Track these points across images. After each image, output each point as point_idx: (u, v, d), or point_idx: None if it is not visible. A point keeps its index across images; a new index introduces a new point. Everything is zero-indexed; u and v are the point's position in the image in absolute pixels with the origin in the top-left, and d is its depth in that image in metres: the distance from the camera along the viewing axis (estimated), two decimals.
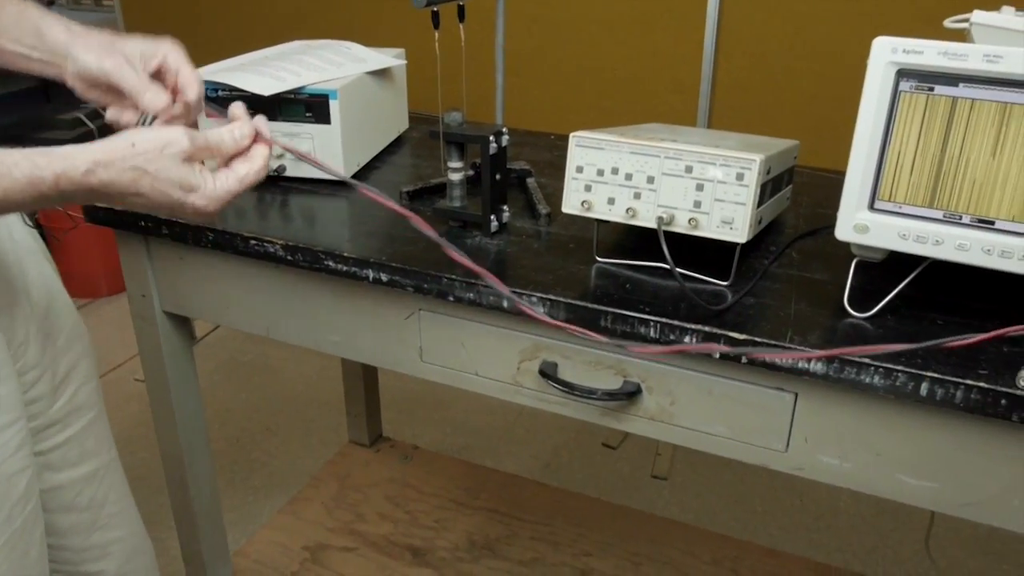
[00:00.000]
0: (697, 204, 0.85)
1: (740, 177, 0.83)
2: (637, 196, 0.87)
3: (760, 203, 0.88)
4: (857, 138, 0.80)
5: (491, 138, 0.99)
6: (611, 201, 0.89)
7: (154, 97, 0.82)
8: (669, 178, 0.85)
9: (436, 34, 0.99)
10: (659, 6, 1.80)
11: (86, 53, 0.81)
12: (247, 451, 2.10)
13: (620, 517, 1.67)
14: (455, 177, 1.04)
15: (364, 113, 1.24)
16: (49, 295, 0.96)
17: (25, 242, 0.95)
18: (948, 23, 0.84)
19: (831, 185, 1.25)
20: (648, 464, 2.06)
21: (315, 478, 1.79)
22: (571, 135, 0.90)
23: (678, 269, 0.90)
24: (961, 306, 0.87)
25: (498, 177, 1.03)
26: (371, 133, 1.29)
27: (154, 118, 0.84)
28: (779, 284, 0.92)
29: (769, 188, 0.92)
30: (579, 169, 0.90)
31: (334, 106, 1.15)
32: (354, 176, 1.23)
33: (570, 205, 0.91)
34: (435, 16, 0.97)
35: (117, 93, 0.83)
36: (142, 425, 2.11)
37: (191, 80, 0.85)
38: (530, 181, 1.17)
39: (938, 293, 0.90)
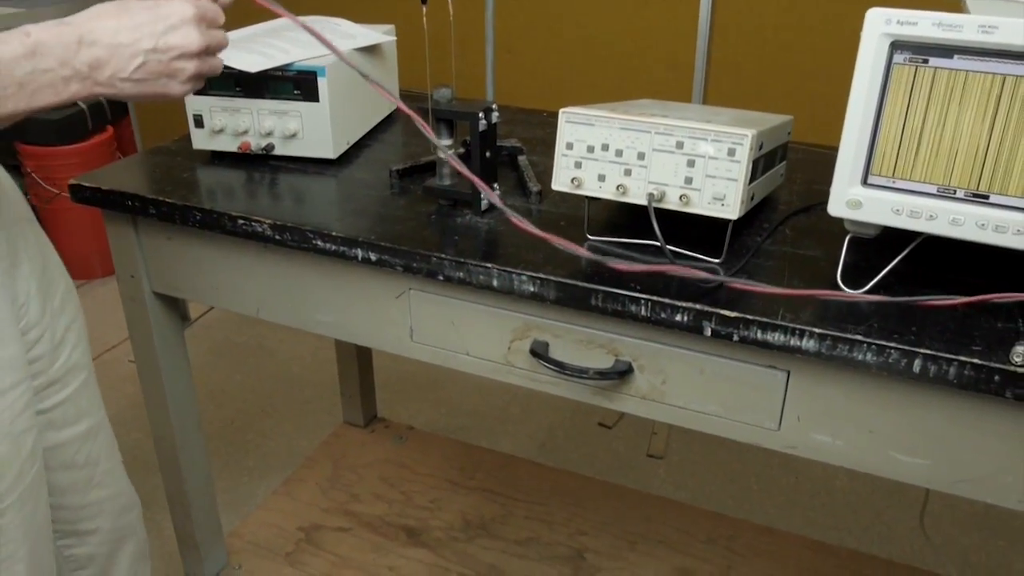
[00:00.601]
0: (688, 180, 0.84)
1: (731, 153, 0.81)
2: (628, 173, 0.86)
3: (752, 179, 0.87)
4: (850, 112, 0.78)
5: (480, 115, 0.98)
6: (601, 178, 0.88)
7: None
8: (660, 154, 0.84)
9: (424, 9, 0.97)
10: None
11: None
12: (242, 432, 2.10)
13: (615, 496, 1.67)
14: (444, 155, 1.03)
15: (353, 91, 1.23)
16: (43, 256, 0.96)
17: (19, 204, 0.94)
18: None
19: (826, 161, 1.23)
20: (644, 443, 2.05)
21: (310, 459, 1.79)
22: (561, 111, 0.89)
23: (670, 247, 0.89)
24: (956, 282, 0.86)
25: (488, 155, 1.01)
26: (361, 111, 1.28)
27: None
28: (772, 261, 0.91)
29: (762, 164, 0.91)
30: (569, 146, 0.88)
31: (322, 83, 1.14)
32: (343, 154, 1.22)
33: (560, 182, 0.90)
34: None
35: None
36: (137, 406, 2.11)
37: None
38: (521, 159, 1.16)
39: (932, 269, 0.89)
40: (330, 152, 1.17)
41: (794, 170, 1.17)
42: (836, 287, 0.85)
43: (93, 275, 2.80)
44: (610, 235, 0.96)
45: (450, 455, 1.78)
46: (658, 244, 0.85)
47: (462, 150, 1.11)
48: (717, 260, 0.90)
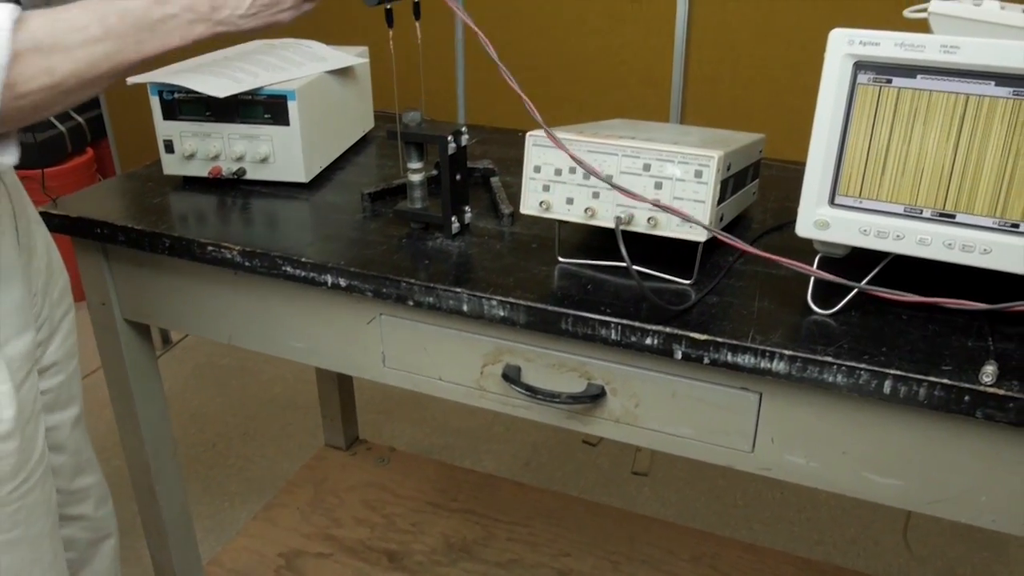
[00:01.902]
0: (656, 203, 0.83)
1: (699, 174, 0.81)
2: (596, 195, 0.86)
3: (721, 200, 0.86)
4: (816, 132, 0.78)
5: (449, 138, 0.97)
6: (570, 201, 0.87)
7: None
8: (627, 176, 0.84)
9: (390, 33, 0.97)
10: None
11: None
12: (223, 456, 2.08)
13: (599, 515, 1.66)
14: (415, 178, 1.02)
15: (325, 114, 1.22)
16: (48, 252, 0.99)
17: (30, 205, 0.98)
18: (908, 13, 0.82)
19: (800, 178, 1.23)
20: (628, 460, 2.04)
21: (290, 483, 1.77)
22: (528, 134, 0.88)
23: (640, 268, 0.89)
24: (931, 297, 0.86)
25: (458, 177, 1.01)
26: (333, 134, 1.27)
27: None
28: (743, 281, 0.91)
29: (731, 184, 0.91)
30: (536, 169, 0.88)
31: (292, 107, 1.13)
32: (316, 177, 1.21)
33: (528, 205, 0.90)
34: (388, 14, 0.95)
35: None
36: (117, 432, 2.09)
37: None
38: (494, 180, 1.16)
39: (903, 287, 0.88)
40: (302, 176, 1.17)
41: (768, 187, 1.17)
42: (807, 308, 0.84)
43: (76, 298, 2.78)
44: (582, 257, 0.95)
45: (432, 476, 1.76)
46: (623, 248, 0.84)
47: (434, 172, 1.11)
48: (688, 281, 0.89)
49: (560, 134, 0.87)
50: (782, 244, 1.00)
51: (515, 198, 1.11)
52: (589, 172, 0.81)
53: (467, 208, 1.04)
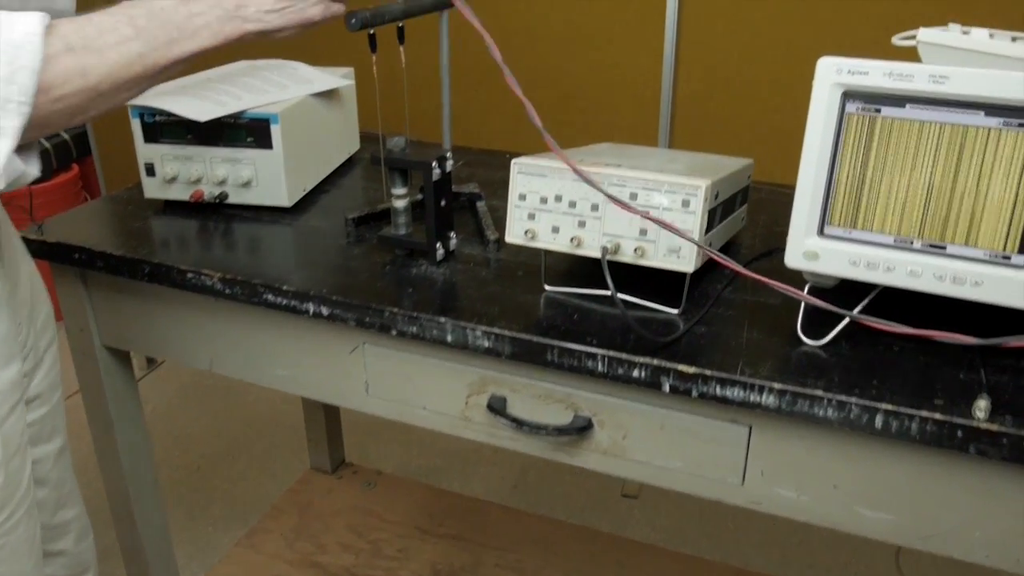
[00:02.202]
0: (643, 232, 0.82)
1: (686, 204, 0.80)
2: (582, 224, 0.84)
3: (709, 228, 0.85)
4: (804, 161, 0.77)
5: (434, 163, 0.96)
6: (555, 230, 0.86)
7: None
8: (614, 205, 0.82)
9: (374, 57, 0.96)
10: (616, 19, 1.78)
11: None
12: (207, 479, 2.05)
13: (588, 541, 1.64)
14: (399, 204, 1.01)
15: (309, 137, 1.21)
16: (32, 281, 0.96)
17: (15, 235, 0.95)
18: (896, 40, 0.81)
19: (790, 202, 1.22)
20: (618, 483, 2.02)
21: (275, 508, 1.74)
22: (512, 161, 0.87)
23: (626, 297, 0.87)
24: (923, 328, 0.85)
25: (443, 203, 0.99)
26: (318, 157, 1.25)
27: None
28: (732, 311, 0.90)
29: (719, 212, 0.90)
30: (522, 197, 0.86)
31: (275, 131, 1.11)
32: (299, 202, 1.19)
33: (513, 234, 0.88)
34: (372, 39, 0.93)
35: None
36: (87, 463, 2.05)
37: None
38: (480, 205, 1.14)
39: (894, 317, 0.87)
40: (285, 200, 1.15)
41: (757, 211, 1.15)
42: (797, 339, 0.83)
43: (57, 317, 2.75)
44: (569, 284, 0.94)
45: (420, 500, 1.74)
46: (610, 279, 0.83)
47: (419, 196, 1.09)
48: (676, 310, 0.88)
49: (545, 161, 0.85)
50: (771, 271, 0.98)
51: (501, 223, 1.10)
52: (590, 183, 0.80)
53: (452, 234, 1.02)
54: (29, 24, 0.64)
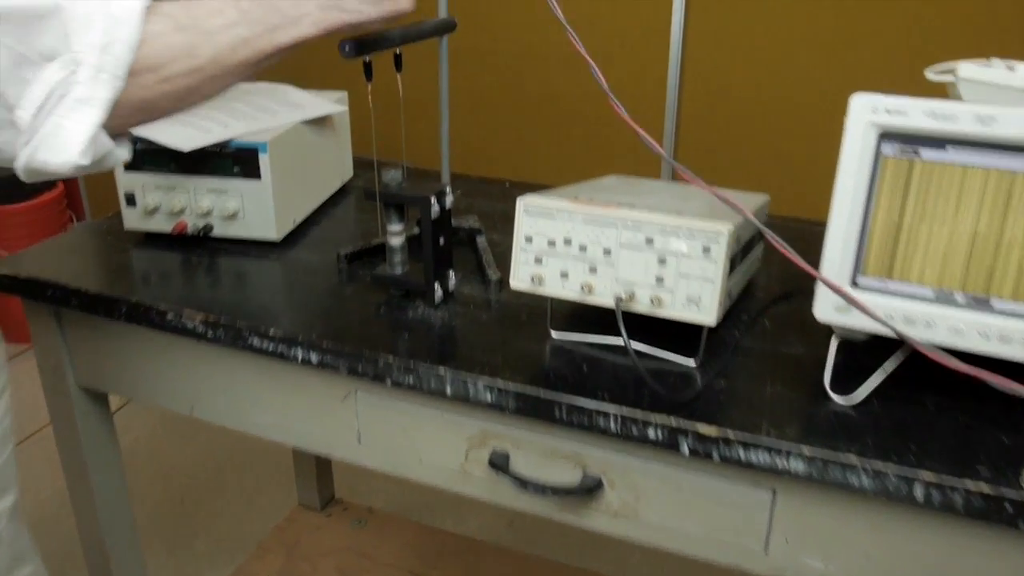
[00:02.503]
0: (659, 280, 0.76)
1: (707, 251, 0.74)
2: (593, 270, 0.78)
3: (730, 275, 0.79)
4: (836, 206, 0.71)
5: (433, 199, 0.90)
6: (564, 275, 0.79)
7: None
8: (628, 251, 0.76)
9: (369, 87, 0.90)
10: (620, 40, 1.73)
11: None
12: (191, 513, 1.97)
13: None
14: (395, 241, 0.94)
15: (300, 165, 1.14)
16: None
17: None
18: (931, 75, 0.76)
19: (804, 237, 1.16)
20: None
21: (261, 547, 1.67)
22: (518, 200, 0.80)
23: (640, 346, 0.81)
24: (957, 385, 0.79)
25: (442, 241, 0.93)
26: (309, 187, 1.19)
27: None
28: (752, 361, 0.83)
29: (740, 255, 0.84)
30: (528, 239, 0.80)
31: (264, 160, 1.05)
32: (288, 235, 1.13)
33: (519, 279, 0.82)
34: (367, 67, 0.87)
35: None
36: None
37: None
38: (480, 240, 1.08)
39: (930, 369, 0.81)
40: (273, 234, 1.09)
41: (771, 249, 1.09)
42: (824, 394, 0.77)
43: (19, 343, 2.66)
44: (577, 330, 0.88)
45: (412, 540, 1.67)
46: (625, 333, 0.77)
47: (416, 230, 1.03)
48: (693, 362, 0.82)
49: (554, 201, 0.79)
50: (791, 316, 0.92)
51: (503, 260, 1.04)
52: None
53: (451, 273, 0.96)
54: (130, 2, 0.63)
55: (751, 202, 0.93)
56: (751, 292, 0.98)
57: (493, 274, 0.98)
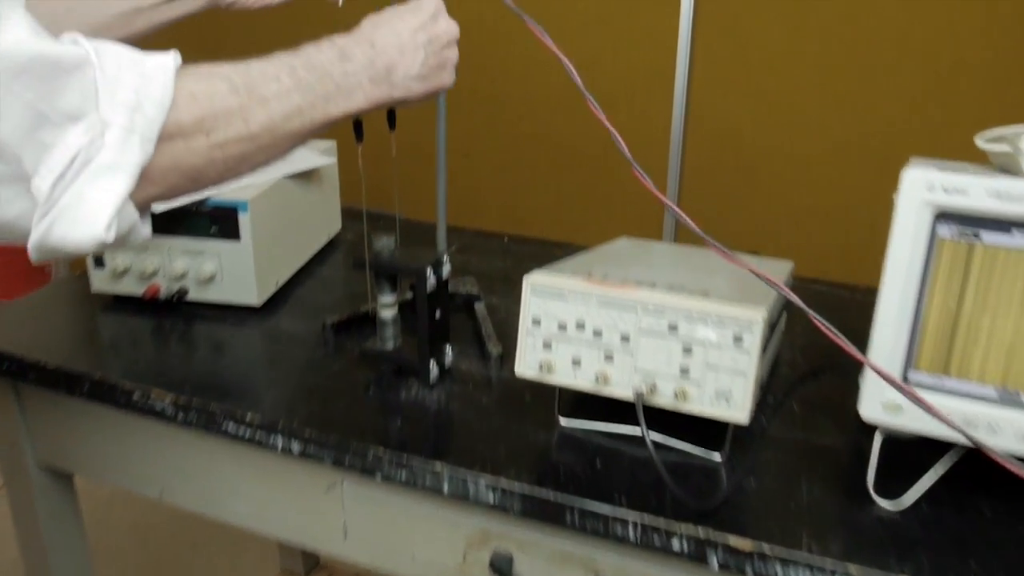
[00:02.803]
0: (684, 371, 0.67)
1: (738, 340, 0.65)
2: (609, 358, 0.70)
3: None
4: (885, 293, 0.63)
5: (428, 270, 0.81)
6: (577, 363, 0.71)
7: None
8: (649, 338, 0.68)
9: (359, 148, 0.82)
10: (623, 83, 1.66)
11: None
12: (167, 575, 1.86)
13: None
14: (386, 314, 0.86)
15: (283, 224, 1.06)
16: None
17: None
18: (983, 143, 0.68)
19: (826, 303, 1.09)
20: None
21: None
22: (525, 278, 0.72)
23: (659, 436, 0.73)
24: (1014, 487, 0.70)
25: (438, 315, 0.85)
26: (293, 246, 1.11)
27: None
28: (783, 455, 0.75)
29: (770, 336, 0.76)
30: (536, 321, 0.72)
31: (244, 220, 0.97)
32: (271, 298, 1.04)
33: (525, 365, 0.73)
34: (358, 127, 0.80)
35: None
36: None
37: None
38: (478, 306, 1.00)
39: (983, 469, 0.73)
40: (253, 299, 1.00)
41: (793, 316, 1.02)
42: (867, 497, 0.68)
43: None
44: (588, 416, 0.79)
45: None
46: (647, 434, 0.68)
47: (409, 294, 0.95)
48: (718, 457, 0.73)
49: (565, 280, 0.71)
50: (821, 398, 0.84)
51: (503, 329, 0.95)
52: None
53: (448, 348, 0.88)
54: (160, 58, 0.57)
55: (777, 272, 0.86)
56: (775, 368, 0.90)
57: (494, 348, 0.90)
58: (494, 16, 0.75)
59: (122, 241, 0.57)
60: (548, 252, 1.24)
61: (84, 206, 0.54)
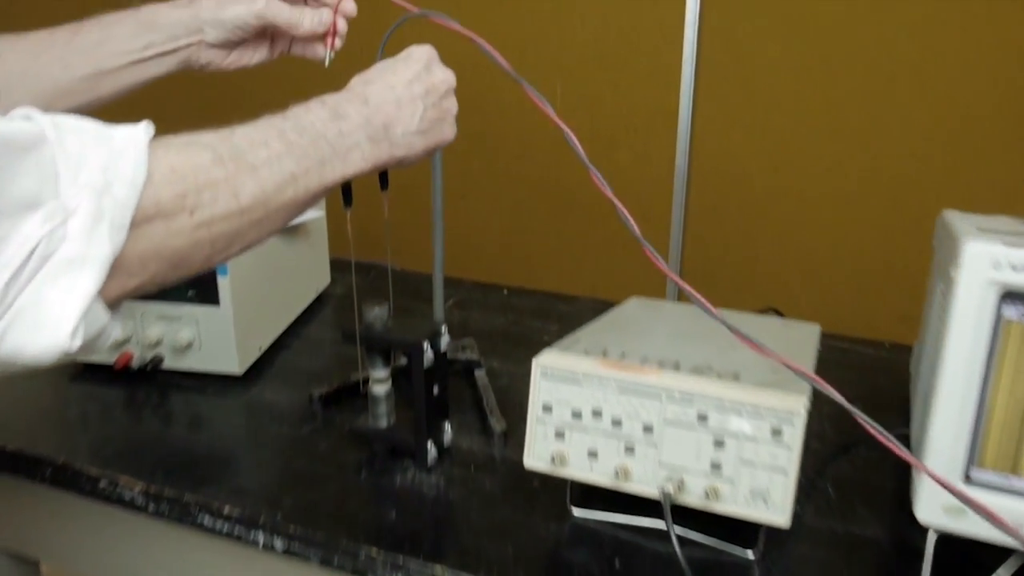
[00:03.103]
0: (716, 467, 0.60)
1: (777, 434, 0.58)
2: (630, 450, 0.62)
3: None
4: (944, 380, 0.56)
5: (425, 344, 0.74)
6: (593, 455, 0.64)
7: (314, 16, 0.76)
8: (675, 428, 0.61)
9: (348, 214, 0.74)
10: (624, 122, 1.60)
11: (233, 6, 0.75)
12: None
13: None
14: (379, 390, 0.78)
15: (267, 283, 0.99)
16: None
17: None
18: None
19: (850, 362, 1.02)
20: None
21: None
22: (534, 361, 0.65)
23: (683, 530, 0.65)
24: None
25: (436, 391, 0.77)
26: (277, 308, 1.03)
27: None
28: (822, 550, 0.67)
29: None
30: (547, 408, 0.64)
31: (223, 284, 0.89)
32: (253, 365, 0.96)
33: (535, 457, 0.66)
34: (346, 192, 0.72)
35: (261, 37, 0.78)
36: None
37: None
38: (479, 374, 0.92)
39: None
40: (234, 367, 0.92)
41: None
42: None
43: None
44: (602, 505, 0.71)
45: None
46: (673, 532, 0.61)
47: (404, 360, 0.87)
48: (751, 554, 0.66)
49: (579, 362, 0.64)
50: (857, 480, 0.77)
51: (506, 401, 0.88)
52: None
53: (447, 426, 0.80)
54: (130, 130, 0.50)
55: (806, 339, 0.79)
56: (804, 442, 0.83)
57: (497, 424, 0.82)
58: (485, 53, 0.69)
59: (89, 347, 0.49)
60: (551, 306, 1.17)
61: (43, 309, 0.45)
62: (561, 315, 1.14)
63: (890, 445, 0.51)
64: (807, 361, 0.70)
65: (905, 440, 0.80)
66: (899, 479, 0.76)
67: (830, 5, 1.46)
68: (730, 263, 1.61)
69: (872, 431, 0.51)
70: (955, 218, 0.73)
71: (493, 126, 1.67)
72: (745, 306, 1.55)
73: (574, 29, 1.63)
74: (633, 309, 0.85)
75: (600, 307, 1.17)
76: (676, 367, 0.64)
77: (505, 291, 1.20)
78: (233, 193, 0.54)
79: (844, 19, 1.47)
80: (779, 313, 1.07)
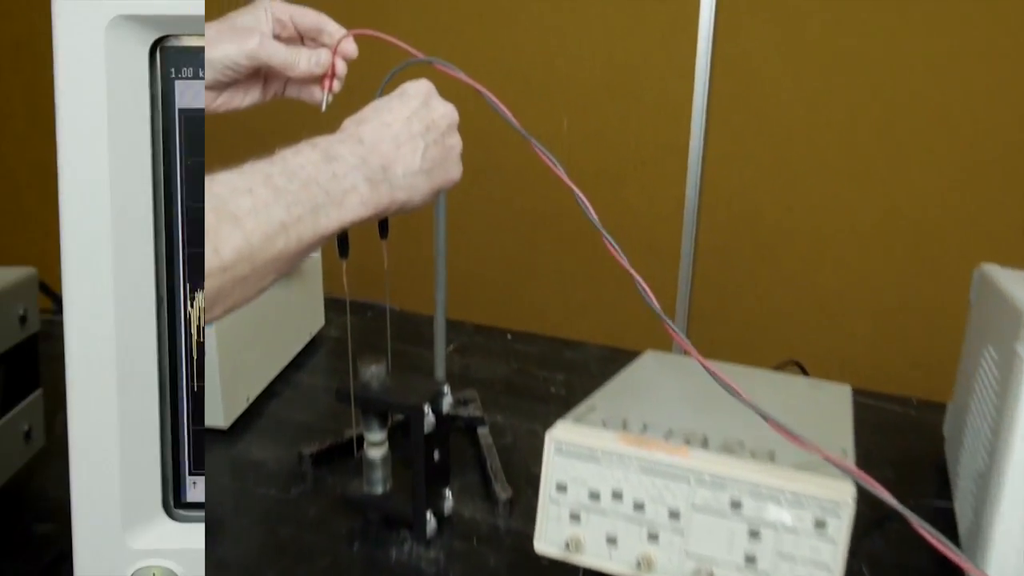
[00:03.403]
0: (750, 560, 0.54)
1: (820, 525, 0.52)
2: (654, 538, 0.56)
3: None
4: (1010, 477, 0.50)
5: (427, 408, 0.68)
6: (612, 541, 0.57)
7: (312, 57, 0.70)
8: (704, 515, 0.54)
9: (344, 265, 0.69)
10: (632, 157, 1.55)
11: (223, 45, 0.68)
12: None
13: None
14: (374, 454, 0.72)
15: (256, 330, 0.92)
16: None
17: None
18: None
19: (879, 421, 0.96)
20: None
21: None
22: (548, 435, 0.59)
23: None
24: None
25: (437, 456, 0.71)
26: (267, 353, 0.97)
27: None
28: None
29: None
30: (561, 488, 0.58)
31: (208, 331, 0.83)
32: (240, 417, 0.90)
33: (547, 541, 0.59)
34: (343, 243, 0.67)
35: (253, 78, 0.71)
36: None
37: (337, 30, 0.71)
38: (482, 432, 0.86)
39: None
40: (219, 420, 0.86)
41: None
42: None
43: None
44: None
45: None
46: None
47: (400, 416, 0.81)
48: None
49: (594, 438, 0.57)
50: (892, 559, 0.71)
51: (511, 463, 0.82)
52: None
53: (447, 493, 0.74)
54: None
55: (838, 402, 0.73)
56: None
57: (502, 491, 0.76)
58: (487, 82, 0.64)
59: None
60: (557, 353, 1.11)
61: None
62: (567, 364, 1.08)
63: (952, 556, 0.45)
64: (845, 435, 0.64)
65: (947, 515, 0.74)
66: (939, 560, 0.70)
67: (847, 40, 1.42)
68: (741, 303, 1.55)
69: (934, 541, 0.45)
70: (1003, 277, 0.68)
71: (495, 159, 1.61)
72: (756, 348, 1.49)
73: (582, 61, 1.59)
74: (650, 366, 0.79)
75: (607, 355, 1.11)
76: (704, 443, 0.58)
77: (508, 336, 1.14)
78: (213, 247, 0.48)
79: (861, 54, 1.43)
80: (802, 368, 1.00)
